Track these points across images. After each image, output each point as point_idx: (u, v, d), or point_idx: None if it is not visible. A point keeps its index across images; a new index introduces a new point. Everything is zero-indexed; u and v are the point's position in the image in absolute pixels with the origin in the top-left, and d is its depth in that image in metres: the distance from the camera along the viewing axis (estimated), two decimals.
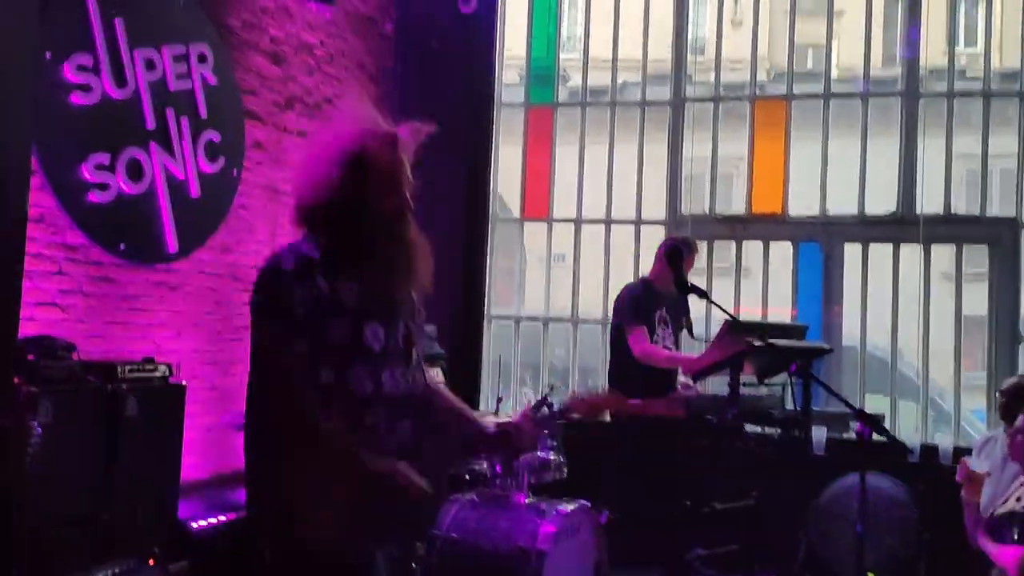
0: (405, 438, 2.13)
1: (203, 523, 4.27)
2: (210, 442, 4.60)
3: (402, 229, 2.17)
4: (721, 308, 3.15)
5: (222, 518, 4.45)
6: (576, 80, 6.95)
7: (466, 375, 6.08)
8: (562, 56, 6.85)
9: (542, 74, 6.83)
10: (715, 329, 4.68)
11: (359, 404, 2.06)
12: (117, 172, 4.04)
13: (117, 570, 2.51)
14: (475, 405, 6.22)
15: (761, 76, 11.11)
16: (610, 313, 6.30)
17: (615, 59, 6.59)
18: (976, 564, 3.68)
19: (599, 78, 6.81)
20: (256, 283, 2.12)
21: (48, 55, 3.74)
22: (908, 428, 6.15)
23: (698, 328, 5.28)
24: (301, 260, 2.05)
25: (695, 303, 5.00)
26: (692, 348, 5.25)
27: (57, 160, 3.80)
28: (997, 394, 4.67)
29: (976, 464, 3.74)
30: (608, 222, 6.51)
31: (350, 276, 2.09)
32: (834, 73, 8.33)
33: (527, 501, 3.74)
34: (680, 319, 5.05)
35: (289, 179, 5.13)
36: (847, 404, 3.06)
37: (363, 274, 2.11)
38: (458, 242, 6.07)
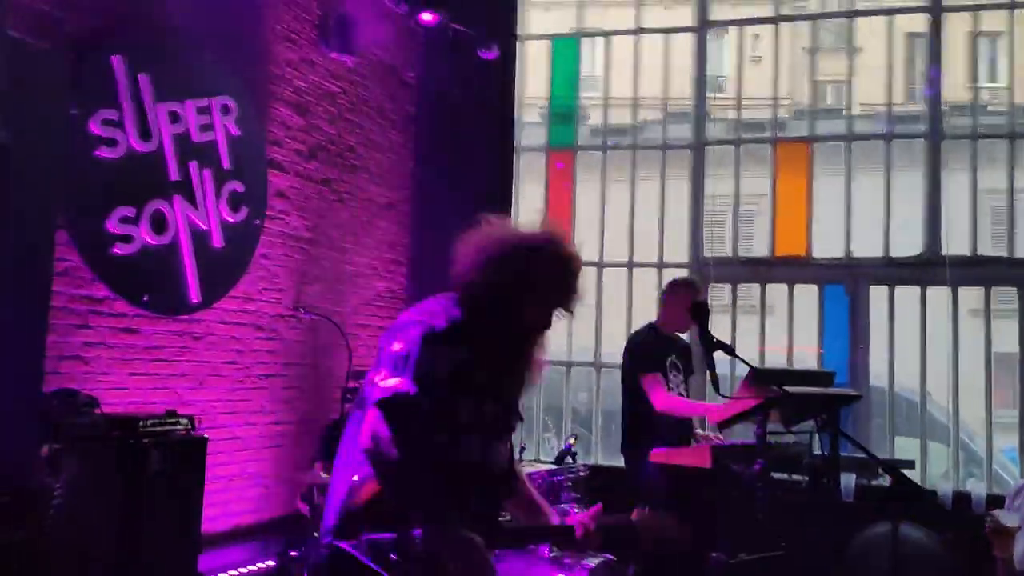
0: (489, 510, 2.20)
1: (230, 573, 4.27)
2: (230, 493, 4.59)
3: (534, 343, 2.23)
4: (746, 362, 3.09)
5: (241, 570, 4.44)
6: (596, 118, 6.97)
7: None
8: (582, 95, 6.86)
9: (562, 112, 6.85)
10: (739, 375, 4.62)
11: (461, 472, 2.12)
12: (141, 225, 4.07)
13: None
14: None
15: (782, 113, 11.19)
16: None
17: (636, 98, 6.60)
18: None
19: (619, 116, 6.83)
20: (407, 326, 2.11)
21: (75, 111, 3.79)
22: (939, 472, 6.04)
23: (722, 378, 5.21)
24: (454, 324, 2.10)
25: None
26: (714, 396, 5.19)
27: (82, 214, 3.83)
28: None
29: (1006, 517, 3.64)
30: (630, 265, 6.48)
31: (476, 354, 2.13)
32: (856, 109, 8.33)
33: (551, 555, 3.67)
34: (688, 363, 4.98)
35: (309, 229, 5.17)
36: (871, 456, 2.97)
37: (486, 361, 2.16)
38: None
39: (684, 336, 5.06)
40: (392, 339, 2.10)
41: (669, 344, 4.90)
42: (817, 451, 4.91)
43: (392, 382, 2.02)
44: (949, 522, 5.04)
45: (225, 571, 4.34)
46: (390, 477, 2.00)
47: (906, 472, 5.47)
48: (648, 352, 4.83)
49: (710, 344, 2.98)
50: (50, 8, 3.66)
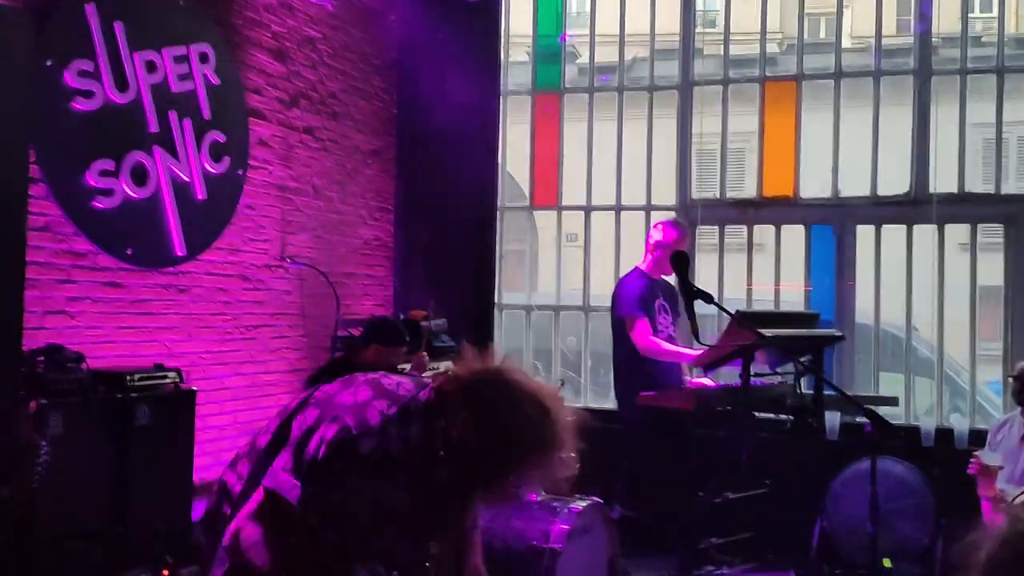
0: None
1: None
2: (223, 443, 4.63)
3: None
4: (724, 310, 3.12)
5: None
6: (585, 57, 6.87)
7: None
8: (569, 32, 6.76)
9: (549, 52, 6.75)
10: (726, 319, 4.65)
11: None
12: (121, 177, 4.04)
13: None
14: None
15: (773, 48, 11.01)
16: None
17: (622, 38, 6.50)
18: None
19: (608, 54, 6.73)
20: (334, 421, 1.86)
21: (49, 62, 3.73)
22: (923, 407, 6.11)
23: (709, 322, 5.25)
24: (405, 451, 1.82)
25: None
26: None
27: (60, 168, 3.80)
28: (1010, 379, 4.63)
29: (989, 457, 3.71)
30: (618, 208, 6.46)
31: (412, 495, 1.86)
32: (847, 43, 8.21)
33: (539, 499, 3.74)
34: (678, 305, 5.02)
35: (293, 179, 5.13)
36: (853, 401, 3.02)
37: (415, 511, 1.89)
38: (467, 232, 6.05)
39: (672, 279, 5.08)
40: (329, 406, 1.86)
41: (656, 287, 4.94)
42: (804, 391, 5.00)
43: (289, 481, 1.79)
44: (932, 458, 5.12)
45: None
46: None
47: (891, 408, 5.60)
48: (634, 296, 4.87)
49: (690, 293, 3.00)
50: None
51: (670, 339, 4.93)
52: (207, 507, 2.10)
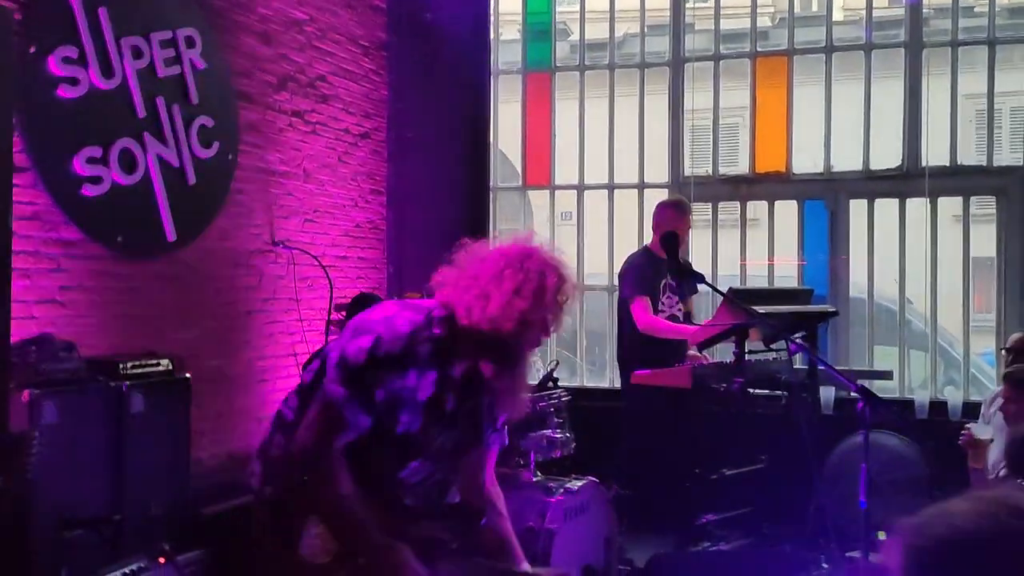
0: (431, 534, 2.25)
1: (216, 508, 4.32)
2: (219, 427, 4.63)
3: (526, 362, 2.27)
4: (716, 289, 3.12)
5: (235, 502, 4.50)
6: (576, 35, 6.83)
7: None
8: (559, 9, 6.70)
9: (540, 30, 6.71)
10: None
11: (397, 485, 2.20)
12: (110, 164, 4.00)
13: (127, 571, 2.51)
14: None
15: (765, 21, 10.97)
16: (616, 279, 6.31)
17: (612, 15, 6.46)
18: None
19: (599, 31, 6.69)
20: (361, 336, 2.13)
21: (32, 49, 3.69)
22: (918, 380, 6.14)
23: (706, 300, 5.26)
24: (409, 348, 2.12)
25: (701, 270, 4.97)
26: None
27: (48, 155, 3.76)
28: (1004, 351, 4.64)
29: (980, 430, 3.73)
30: (611, 187, 6.45)
31: (444, 371, 2.17)
32: (838, 15, 8.14)
33: (535, 480, 3.75)
34: (681, 285, 5.02)
35: (283, 163, 5.10)
36: (846, 380, 3.03)
37: (470, 379, 2.20)
38: (460, 214, 6.03)
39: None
40: (353, 337, 2.13)
41: (662, 266, 4.92)
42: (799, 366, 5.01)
43: (338, 388, 2.09)
44: (926, 430, 5.15)
45: (217, 503, 4.39)
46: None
47: (886, 382, 5.63)
48: (638, 276, 4.87)
49: (680, 274, 3.00)
50: None
51: (674, 318, 4.92)
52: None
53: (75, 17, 3.85)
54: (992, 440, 3.75)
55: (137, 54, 4.14)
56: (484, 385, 2.21)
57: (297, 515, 2.11)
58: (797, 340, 3.31)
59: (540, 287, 2.11)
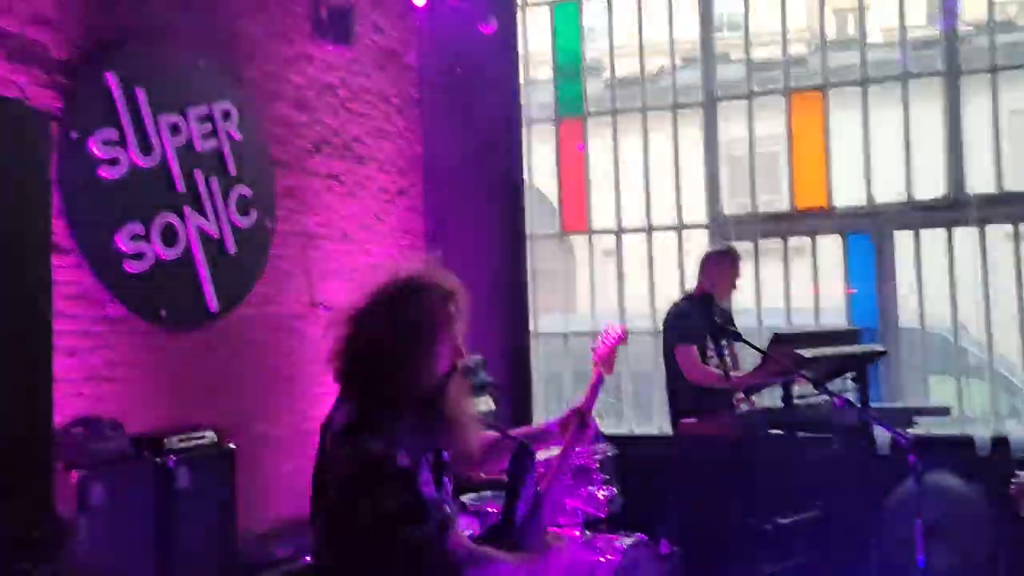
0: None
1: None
2: (265, 494, 4.65)
3: (456, 388, 2.16)
4: (752, 345, 3.06)
5: (284, 568, 4.51)
6: (608, 72, 6.82)
7: (517, 398, 6.07)
8: (590, 45, 6.69)
9: (571, 68, 6.71)
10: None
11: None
12: (152, 239, 4.09)
13: None
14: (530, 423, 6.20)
15: (800, 48, 10.90)
16: (658, 321, 6.25)
17: (642, 55, 6.45)
18: None
19: (630, 65, 6.67)
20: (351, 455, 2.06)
21: (74, 135, 3.80)
22: (977, 412, 5.93)
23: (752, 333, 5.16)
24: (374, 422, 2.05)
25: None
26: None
27: (91, 235, 3.85)
28: None
29: None
30: (649, 229, 6.41)
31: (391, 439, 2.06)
32: (876, 37, 8.03)
33: (582, 539, 3.69)
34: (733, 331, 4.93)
35: (321, 225, 5.16)
36: (896, 432, 2.94)
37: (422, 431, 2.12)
38: (498, 264, 6.04)
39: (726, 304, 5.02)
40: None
41: (711, 313, 4.84)
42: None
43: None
44: (989, 468, 4.97)
45: (269, 571, 4.40)
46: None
47: (942, 419, 5.45)
48: (683, 324, 4.78)
49: (717, 332, 2.95)
50: (34, 32, 3.66)
51: (720, 366, 4.82)
52: None
53: (114, 99, 3.97)
54: None
55: (175, 131, 4.25)
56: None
57: None
58: (840, 395, 3.19)
59: (427, 316, 2.07)
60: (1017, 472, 3.60)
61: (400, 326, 2.03)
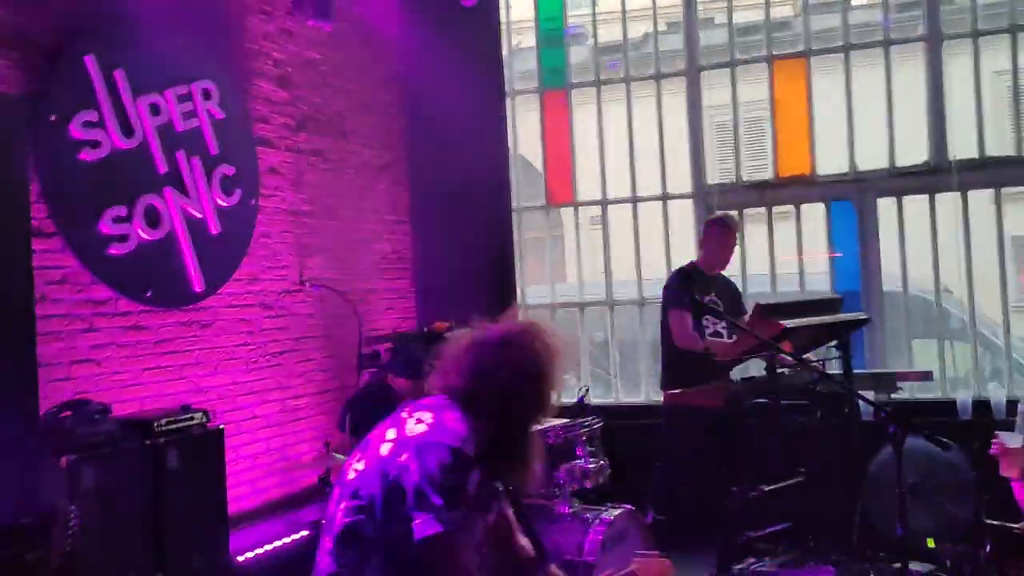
0: None
1: (260, 551, 4.39)
2: (258, 470, 4.69)
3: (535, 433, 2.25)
4: (733, 321, 3.08)
5: (277, 543, 4.56)
6: (591, 39, 6.78)
7: None
8: (572, 12, 6.64)
9: (554, 36, 6.67)
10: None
11: None
12: (135, 221, 4.08)
13: None
14: None
15: (786, 11, 10.83)
16: (644, 292, 6.28)
17: (625, 23, 6.42)
18: None
19: (615, 32, 6.63)
20: (439, 464, 1.98)
21: (53, 117, 3.77)
22: (960, 375, 6.00)
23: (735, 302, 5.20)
24: (478, 451, 2.05)
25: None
26: None
27: (73, 218, 3.84)
28: None
29: (1010, 438, 3.67)
30: (634, 200, 6.42)
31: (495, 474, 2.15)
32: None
33: (570, 510, 3.74)
34: (732, 302, 4.96)
35: (306, 202, 5.15)
36: (877, 407, 2.98)
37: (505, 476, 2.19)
38: (485, 236, 6.04)
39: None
40: (398, 452, 2.01)
41: (708, 283, 4.87)
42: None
43: (427, 523, 1.92)
44: (971, 432, 5.04)
45: (260, 547, 4.45)
46: None
47: (925, 383, 5.52)
48: (679, 290, 4.80)
49: (697, 309, 2.98)
50: (11, 16, 3.62)
51: (717, 335, 4.86)
52: None
53: (92, 81, 3.94)
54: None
55: (155, 111, 4.22)
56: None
57: None
58: (822, 363, 3.22)
59: (542, 371, 2.14)
60: (997, 433, 3.67)
61: (537, 382, 2.14)
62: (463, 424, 2.05)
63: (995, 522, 3.91)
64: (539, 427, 2.26)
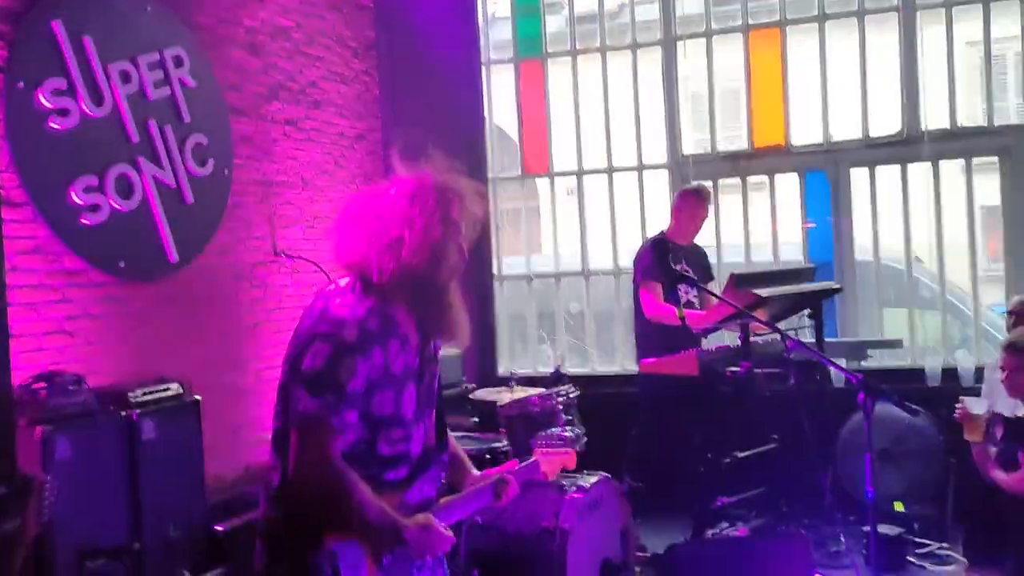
0: (428, 493, 2.22)
1: (237, 521, 4.39)
2: (233, 441, 4.68)
3: (454, 286, 2.20)
4: (708, 290, 3.12)
5: (253, 514, 4.56)
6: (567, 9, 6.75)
7: (482, 341, 6.13)
8: None
9: (531, 5, 6.63)
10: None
11: (384, 462, 2.12)
12: (106, 191, 4.03)
13: None
14: (494, 368, 6.28)
15: None
16: (620, 262, 6.31)
17: None
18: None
19: (590, 2, 6.60)
20: (309, 347, 2.03)
21: (20, 84, 3.71)
22: (929, 343, 6.10)
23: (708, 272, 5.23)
24: (363, 329, 2.02)
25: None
26: None
27: (44, 188, 3.79)
28: (1007, 314, 4.64)
29: (974, 403, 3.74)
30: (610, 171, 6.43)
31: (399, 336, 2.09)
32: None
33: (548, 480, 3.77)
34: (702, 271, 4.98)
35: (280, 172, 5.12)
36: (847, 372, 3.04)
37: (416, 332, 2.14)
38: None
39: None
40: (300, 352, 2.05)
41: (678, 253, 4.89)
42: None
43: (310, 402, 1.98)
44: (938, 398, 5.13)
45: (237, 517, 4.45)
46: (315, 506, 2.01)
47: (895, 351, 5.61)
48: (649, 262, 4.83)
49: (674, 279, 3.00)
50: None
51: (689, 305, 4.89)
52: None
53: (61, 48, 3.87)
54: (987, 413, 3.76)
55: (125, 79, 4.16)
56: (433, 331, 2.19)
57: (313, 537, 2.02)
58: (794, 336, 3.27)
59: (446, 215, 2.10)
60: (962, 398, 3.74)
61: (427, 220, 2.09)
62: (353, 306, 2.04)
63: None
64: (453, 277, 2.16)
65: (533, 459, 2.54)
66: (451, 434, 2.41)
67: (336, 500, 2.00)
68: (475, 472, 2.42)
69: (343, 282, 2.15)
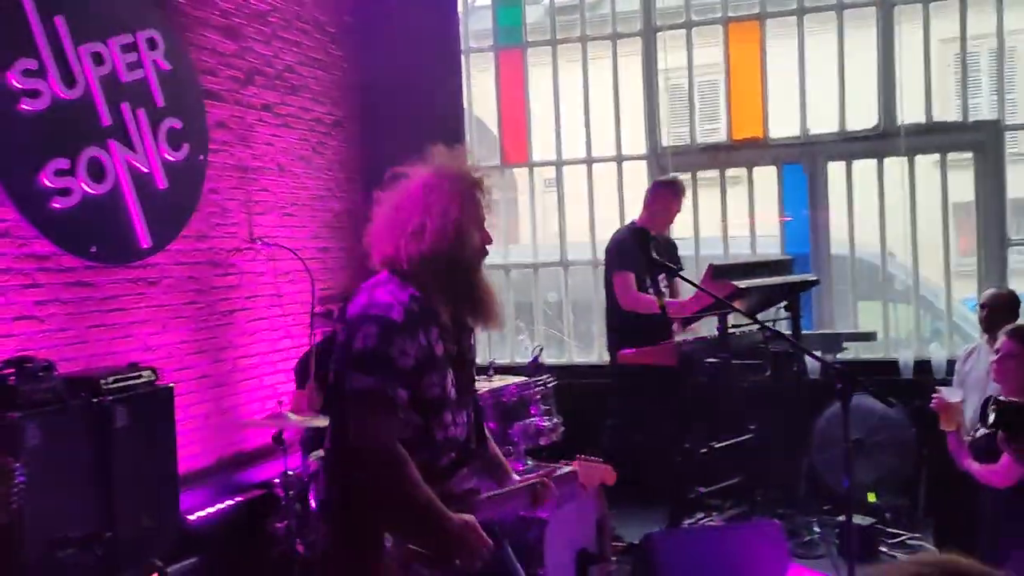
0: (470, 484, 2.24)
1: (211, 510, 4.35)
2: (208, 429, 4.64)
3: (484, 273, 2.27)
4: (689, 280, 3.11)
5: (229, 503, 4.53)
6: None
7: None
8: None
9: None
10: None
11: (438, 448, 2.14)
12: (78, 175, 3.95)
13: None
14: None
15: None
16: (598, 253, 6.30)
17: None
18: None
19: None
20: (359, 330, 2.06)
21: None
22: (903, 336, 6.15)
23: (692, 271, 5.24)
24: (408, 312, 2.08)
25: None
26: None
27: (14, 171, 3.71)
28: (978, 307, 4.68)
29: (950, 392, 3.76)
30: (589, 161, 6.41)
31: (439, 324, 2.15)
32: None
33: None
34: (675, 261, 4.98)
35: (256, 158, 5.06)
36: (824, 361, 3.04)
37: (454, 319, 2.20)
38: None
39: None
40: (350, 335, 2.08)
41: (646, 248, 4.87)
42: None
43: (364, 380, 2.02)
44: (912, 390, 5.17)
45: (211, 506, 4.42)
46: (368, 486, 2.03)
47: (869, 344, 5.65)
48: (622, 252, 4.82)
49: (651, 266, 2.99)
50: None
51: (660, 295, 4.88)
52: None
53: (31, 28, 3.78)
54: (962, 401, 3.79)
55: (98, 60, 4.08)
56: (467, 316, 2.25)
57: (372, 520, 2.05)
58: (772, 327, 3.27)
59: (463, 198, 2.16)
60: (938, 388, 3.76)
61: (445, 205, 2.15)
62: (396, 293, 2.09)
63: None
64: (479, 259, 2.22)
65: (572, 468, 2.53)
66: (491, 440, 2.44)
67: (389, 475, 2.00)
68: (515, 477, 2.44)
69: (381, 277, 2.19)
